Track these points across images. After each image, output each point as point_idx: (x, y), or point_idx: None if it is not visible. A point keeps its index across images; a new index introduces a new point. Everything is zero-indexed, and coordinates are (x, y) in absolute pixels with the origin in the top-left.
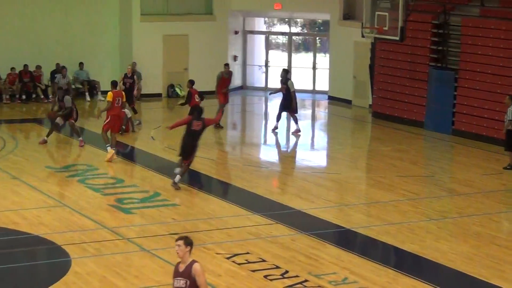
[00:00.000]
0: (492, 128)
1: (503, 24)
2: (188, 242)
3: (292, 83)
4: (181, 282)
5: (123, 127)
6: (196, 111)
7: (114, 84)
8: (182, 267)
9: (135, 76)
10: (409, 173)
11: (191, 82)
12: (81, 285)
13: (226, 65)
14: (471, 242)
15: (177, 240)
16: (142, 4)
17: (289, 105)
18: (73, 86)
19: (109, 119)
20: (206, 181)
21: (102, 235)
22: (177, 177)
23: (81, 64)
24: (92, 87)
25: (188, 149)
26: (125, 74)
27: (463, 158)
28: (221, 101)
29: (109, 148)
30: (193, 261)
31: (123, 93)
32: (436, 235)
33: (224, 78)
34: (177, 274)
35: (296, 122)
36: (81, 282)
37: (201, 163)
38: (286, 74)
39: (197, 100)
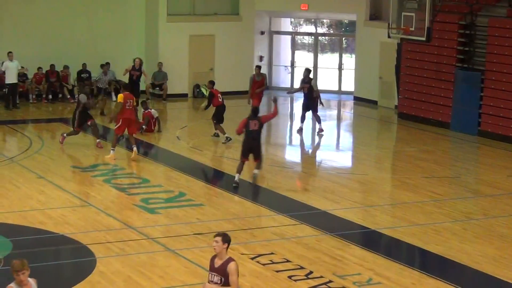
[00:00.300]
0: None
1: None
2: (226, 239)
3: (316, 82)
4: (216, 278)
5: (143, 126)
6: (251, 111)
7: (126, 87)
8: (218, 263)
9: (142, 69)
10: (434, 174)
11: (212, 83)
12: (106, 284)
13: (258, 67)
14: (497, 243)
15: (215, 236)
16: (168, 5)
17: (312, 105)
18: (99, 86)
19: (120, 123)
20: (231, 181)
21: (127, 234)
22: (256, 171)
23: (107, 64)
24: (118, 87)
25: (247, 149)
26: (133, 66)
27: (489, 159)
28: (254, 103)
29: (112, 152)
30: (230, 259)
31: (134, 96)
32: (461, 237)
33: (256, 80)
34: (212, 269)
35: (319, 122)
36: (106, 282)
37: (226, 163)
38: (308, 74)
39: (220, 100)
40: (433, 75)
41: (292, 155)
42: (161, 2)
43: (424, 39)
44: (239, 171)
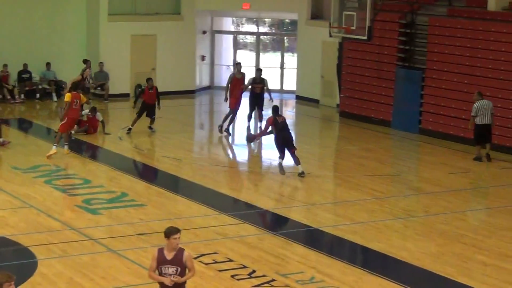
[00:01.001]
0: (459, 127)
1: (470, 23)
2: (180, 231)
3: (267, 82)
4: (171, 269)
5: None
6: (273, 110)
7: (74, 86)
8: (170, 255)
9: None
10: (376, 172)
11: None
12: (47, 286)
13: (238, 64)
14: (438, 240)
15: (173, 233)
16: (109, 4)
17: (262, 104)
18: (40, 87)
19: (65, 120)
20: (173, 181)
21: (68, 236)
22: (300, 168)
23: (48, 64)
24: (59, 87)
25: (287, 140)
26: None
27: (430, 157)
28: (231, 105)
29: (54, 147)
30: (182, 248)
31: (82, 95)
32: (402, 234)
33: (237, 78)
34: (165, 261)
35: (261, 121)
36: (47, 283)
37: (168, 163)
38: (260, 74)
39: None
40: (374, 74)
41: (235, 154)
42: (102, 1)
43: (365, 38)
44: (282, 171)
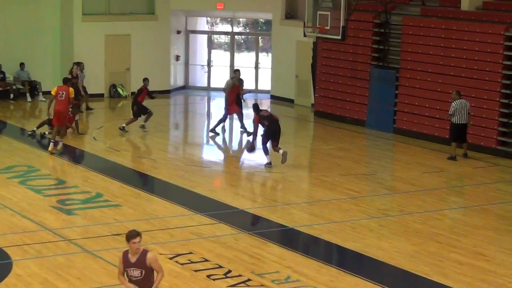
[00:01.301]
0: (433, 126)
1: (443, 23)
2: (140, 235)
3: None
4: (137, 272)
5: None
6: (254, 108)
7: (64, 80)
8: (133, 258)
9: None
10: (351, 172)
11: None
12: (22, 287)
13: (237, 71)
14: (413, 239)
15: (133, 237)
16: (83, 4)
17: (241, 103)
18: (14, 87)
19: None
20: (148, 181)
21: (43, 236)
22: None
23: (22, 64)
24: (33, 87)
25: (274, 133)
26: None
27: (405, 156)
28: (232, 110)
29: (51, 144)
30: (144, 251)
31: (70, 88)
32: (378, 233)
33: (236, 85)
34: (129, 264)
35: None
36: (22, 285)
37: (143, 163)
38: (240, 74)
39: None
40: (349, 74)
41: (210, 154)
42: (76, 1)
43: (339, 37)
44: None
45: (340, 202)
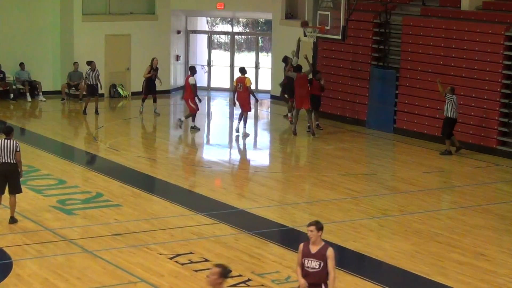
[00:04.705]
0: (433, 126)
1: (444, 23)
2: (320, 227)
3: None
4: (315, 263)
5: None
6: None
7: None
8: (314, 249)
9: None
10: (351, 172)
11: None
12: (23, 287)
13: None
14: (413, 239)
15: (309, 225)
16: (83, 4)
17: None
18: (14, 87)
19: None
20: (148, 181)
21: (43, 236)
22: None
23: (22, 64)
24: (33, 87)
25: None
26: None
27: (405, 156)
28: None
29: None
30: (327, 245)
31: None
32: (378, 233)
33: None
34: (309, 254)
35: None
36: (23, 285)
37: (143, 163)
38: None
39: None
40: (349, 73)
41: (211, 154)
42: (76, 1)
43: (339, 37)
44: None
45: (340, 202)
